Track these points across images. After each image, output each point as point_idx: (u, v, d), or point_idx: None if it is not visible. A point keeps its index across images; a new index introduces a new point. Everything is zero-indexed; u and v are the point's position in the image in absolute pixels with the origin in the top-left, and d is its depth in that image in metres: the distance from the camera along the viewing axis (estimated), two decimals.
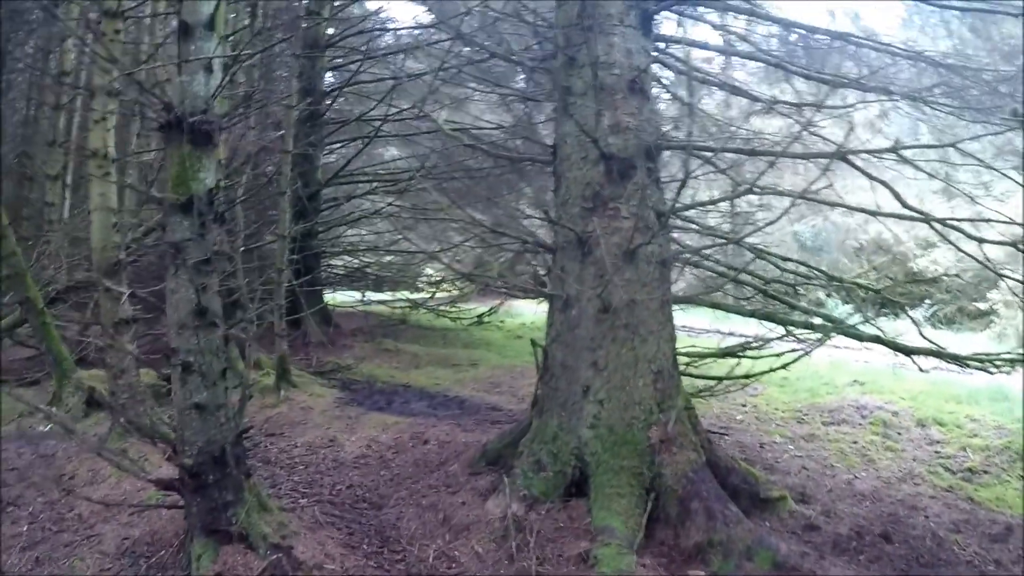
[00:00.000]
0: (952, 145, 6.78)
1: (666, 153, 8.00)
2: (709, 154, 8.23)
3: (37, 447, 8.20)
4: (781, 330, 7.48)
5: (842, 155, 6.60)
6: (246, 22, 12.89)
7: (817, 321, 7.73)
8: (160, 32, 12.98)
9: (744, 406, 11.00)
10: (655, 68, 8.43)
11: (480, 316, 15.51)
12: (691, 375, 7.54)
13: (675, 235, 8.17)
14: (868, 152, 6.98)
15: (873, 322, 7.62)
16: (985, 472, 8.43)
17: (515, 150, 10.44)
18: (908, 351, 7.05)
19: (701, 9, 8.86)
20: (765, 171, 6.90)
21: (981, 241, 6.75)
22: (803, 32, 8.15)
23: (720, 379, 7.66)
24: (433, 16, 14.20)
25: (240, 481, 5.44)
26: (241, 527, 5.29)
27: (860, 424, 10.01)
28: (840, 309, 17.39)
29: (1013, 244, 6.67)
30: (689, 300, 7.77)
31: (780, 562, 5.64)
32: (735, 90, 9.09)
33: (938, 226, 6.93)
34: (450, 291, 19.35)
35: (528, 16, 8.17)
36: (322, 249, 17.74)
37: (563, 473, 6.49)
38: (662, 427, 6.41)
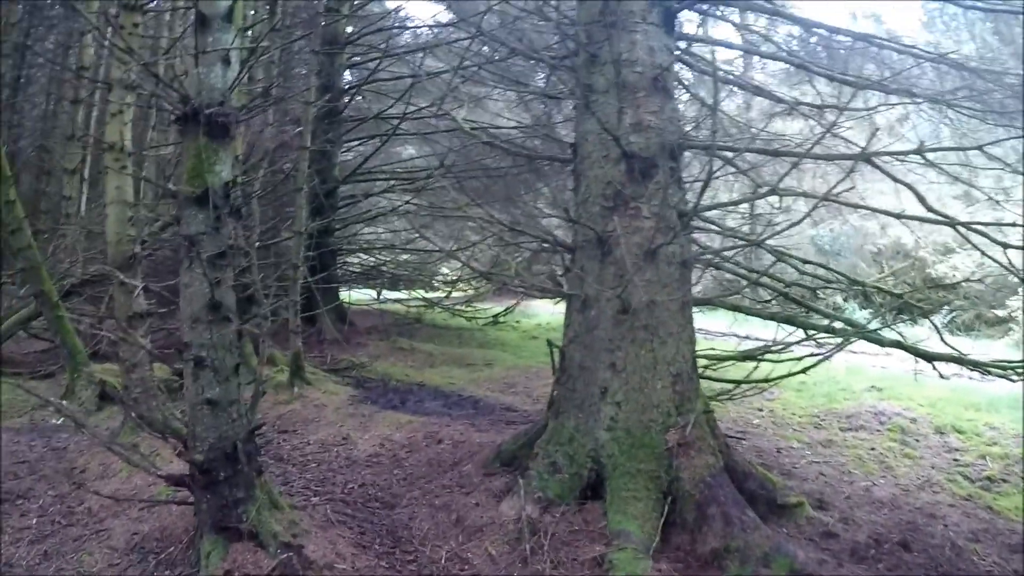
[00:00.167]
0: (979, 148, 6.70)
1: (686, 154, 7.90)
2: (731, 155, 8.16)
3: (49, 440, 8.22)
4: (800, 334, 7.40)
5: (867, 157, 6.51)
6: (265, 18, 12.88)
7: (838, 325, 7.64)
8: (179, 27, 12.98)
9: (761, 410, 10.89)
10: (675, 68, 8.33)
11: (496, 316, 15.50)
12: (709, 378, 7.45)
13: (694, 236, 8.08)
14: (893, 154, 6.89)
15: (894, 327, 7.53)
16: (1004, 481, 8.32)
17: (533, 150, 10.37)
18: (929, 357, 6.96)
19: (724, 9, 8.77)
20: (789, 172, 6.81)
21: (1006, 246, 6.62)
22: (825, 33, 8.05)
23: (739, 382, 7.59)
24: (452, 15, 14.21)
25: (251, 478, 5.38)
26: (251, 525, 5.24)
27: (878, 430, 9.90)
28: (858, 314, 17.27)
29: None
30: (709, 302, 7.68)
31: (798, 569, 5.54)
32: (757, 91, 9.00)
33: (962, 230, 6.83)
34: (465, 291, 19.34)
35: (550, 13, 8.10)
36: (338, 247, 17.74)
37: (579, 475, 6.39)
38: (680, 430, 6.31)
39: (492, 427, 9.19)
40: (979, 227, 6.73)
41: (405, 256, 19.81)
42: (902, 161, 7.00)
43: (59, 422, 8.74)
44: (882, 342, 7.20)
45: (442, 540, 6.00)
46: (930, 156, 6.71)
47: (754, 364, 7.50)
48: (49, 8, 18.16)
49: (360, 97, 18.24)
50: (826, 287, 8.81)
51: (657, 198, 6.69)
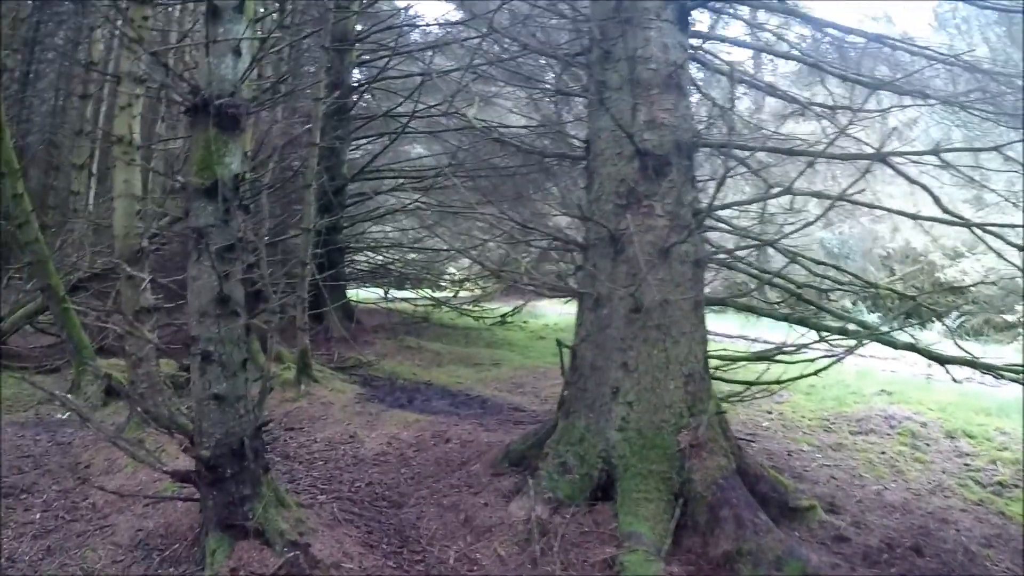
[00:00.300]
0: (996, 148, 6.61)
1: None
2: (744, 154, 8.09)
3: (54, 435, 8.19)
4: (812, 335, 7.32)
5: (882, 157, 6.45)
6: (274, 12, 12.85)
7: (851, 327, 7.56)
8: (188, 22, 12.96)
9: (770, 413, 10.81)
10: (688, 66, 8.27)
11: (503, 316, 15.44)
12: (720, 379, 7.37)
13: (706, 236, 8.01)
14: (909, 154, 6.83)
15: (907, 330, 7.46)
16: (1016, 486, 8.22)
17: (543, 149, 10.31)
18: (942, 360, 6.87)
19: (737, 7, 8.69)
20: (803, 171, 6.74)
21: (1022, 248, 6.54)
22: (838, 33, 7.97)
23: (750, 384, 7.50)
24: (462, 14, 14.17)
25: (258, 475, 5.32)
26: (258, 522, 5.17)
27: (888, 434, 9.81)
28: (867, 317, 17.18)
29: None
30: (722, 302, 7.60)
31: (811, 573, 5.47)
32: (771, 90, 8.92)
33: (978, 232, 6.75)
34: (473, 290, 19.30)
35: (564, 9, 8.05)
36: (346, 244, 17.71)
37: (589, 476, 6.31)
38: (693, 431, 6.24)
39: (500, 427, 9.13)
40: (994, 229, 6.65)
41: (412, 255, 19.79)
42: (915, 163, 6.93)
43: (64, 417, 8.72)
44: (895, 344, 7.12)
45: (450, 540, 5.93)
46: (946, 157, 6.63)
47: (765, 366, 7.42)
48: (58, 3, 18.15)
49: (369, 96, 18.18)
50: (839, 289, 8.72)
51: (671, 196, 6.62)
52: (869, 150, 6.88)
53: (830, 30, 7.99)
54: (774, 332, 12.93)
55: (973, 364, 6.80)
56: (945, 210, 6.67)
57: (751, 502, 6.15)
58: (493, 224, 9.10)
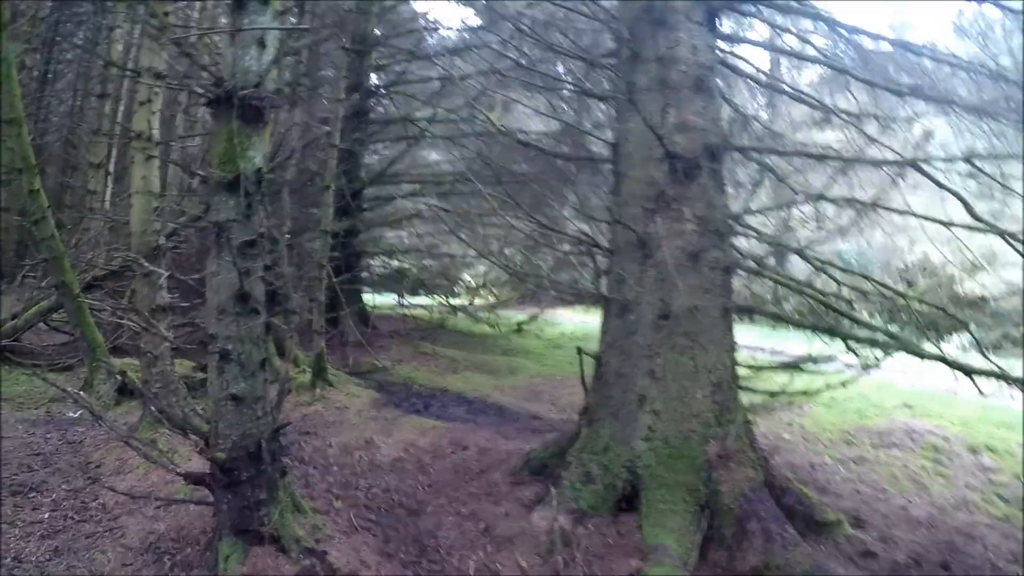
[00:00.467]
0: None
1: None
2: (770, 160, 7.95)
3: (65, 433, 8.07)
4: (837, 346, 7.18)
5: (914, 163, 6.43)
6: (293, 20, 12.80)
7: (881, 338, 7.41)
8: (211, 17, 12.90)
9: (790, 425, 10.67)
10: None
11: (519, 324, 15.34)
12: (746, 389, 7.22)
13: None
14: (941, 160, 6.73)
15: (934, 342, 7.32)
16: None
17: (567, 153, 10.18)
18: (970, 371, 6.72)
19: (764, 10, 8.54)
20: (835, 177, 6.61)
21: None
22: (869, 41, 7.82)
23: (775, 394, 7.34)
24: (481, 20, 14.10)
25: (275, 479, 5.19)
26: (273, 528, 5.05)
27: (910, 448, 9.67)
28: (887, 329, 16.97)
29: None
30: (750, 310, 7.44)
31: None
32: (800, 96, 8.76)
33: (1013, 242, 6.59)
34: (488, 297, 19.20)
35: (592, 10, 7.92)
36: (362, 249, 17.65)
37: (613, 486, 6.19)
38: (721, 442, 6.09)
39: (519, 435, 8.98)
40: None
41: (428, 261, 19.72)
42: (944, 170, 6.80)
43: (76, 415, 8.60)
44: (923, 355, 6.97)
45: (470, 550, 5.78)
46: (973, 165, 6.53)
47: (788, 376, 7.29)
48: (78, 4, 18.18)
49: (387, 100, 18.16)
50: (864, 299, 8.56)
51: (700, 200, 6.49)
52: (892, 157, 6.76)
53: (860, 37, 7.84)
54: (790, 343, 12.81)
55: (1002, 376, 6.66)
56: (977, 218, 6.53)
57: (779, 515, 6.04)
58: (515, 227, 8.91)
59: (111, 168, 15.80)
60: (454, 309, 17.90)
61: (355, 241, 16.69)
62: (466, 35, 16.10)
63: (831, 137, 9.02)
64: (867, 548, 6.33)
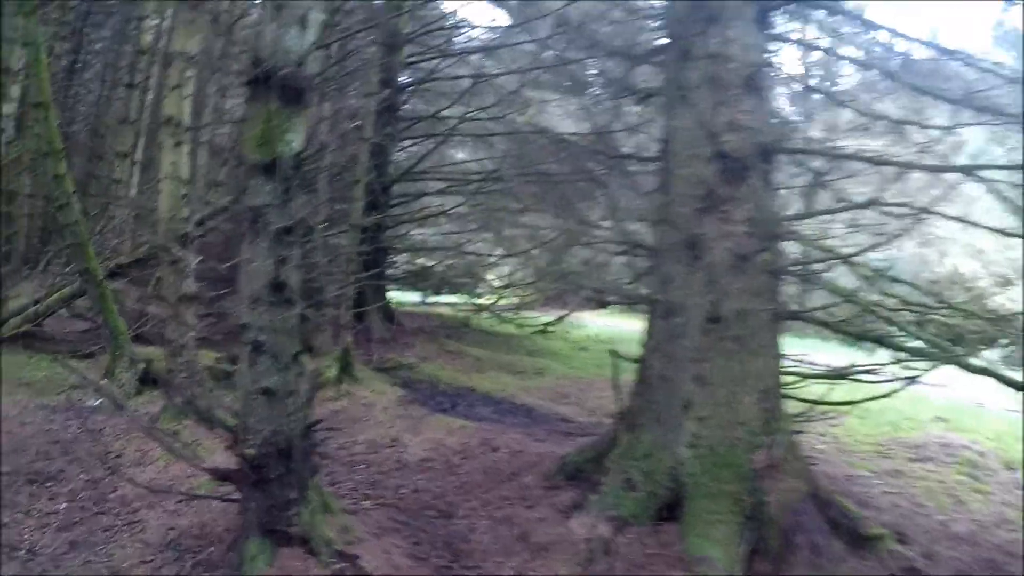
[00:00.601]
0: None
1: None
2: (817, 164, 7.74)
3: (84, 421, 7.92)
4: (881, 355, 6.99)
5: (970, 170, 6.29)
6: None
7: (928, 348, 7.20)
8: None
9: (823, 436, 10.44)
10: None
11: (545, 325, 15.17)
12: (790, 397, 6.99)
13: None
14: (998, 168, 6.56)
15: (979, 355, 7.11)
16: None
17: (607, 151, 10.00)
18: (1019, 386, 6.50)
19: (811, 11, 8.34)
20: (895, 181, 6.42)
21: None
22: (917, 46, 7.63)
23: (817, 403, 7.12)
24: (512, 19, 14.02)
25: (305, 478, 4.99)
26: (303, 529, 4.85)
27: (946, 463, 9.44)
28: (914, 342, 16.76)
29: None
30: (797, 315, 7.21)
31: None
32: (846, 102, 8.56)
33: None
34: (513, 298, 19.07)
35: (639, 5, 7.75)
36: (389, 245, 17.57)
37: (655, 494, 5.94)
38: (768, 451, 5.85)
39: (549, 437, 8.79)
40: None
41: (451, 260, 19.62)
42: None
43: (96, 403, 8.47)
44: (971, 368, 6.75)
45: (505, 556, 5.54)
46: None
47: (827, 386, 7.13)
48: None
49: (416, 98, 18.11)
50: (906, 309, 8.35)
51: (750, 201, 6.25)
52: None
53: (911, 44, 7.65)
54: (825, 352, 12.58)
55: None
56: None
57: (824, 528, 5.85)
58: (544, 227, 8.73)
59: (137, 157, 15.73)
60: (479, 308, 17.78)
61: (382, 236, 16.58)
62: (496, 35, 16.07)
63: (872, 142, 8.83)
64: (911, 564, 6.08)
